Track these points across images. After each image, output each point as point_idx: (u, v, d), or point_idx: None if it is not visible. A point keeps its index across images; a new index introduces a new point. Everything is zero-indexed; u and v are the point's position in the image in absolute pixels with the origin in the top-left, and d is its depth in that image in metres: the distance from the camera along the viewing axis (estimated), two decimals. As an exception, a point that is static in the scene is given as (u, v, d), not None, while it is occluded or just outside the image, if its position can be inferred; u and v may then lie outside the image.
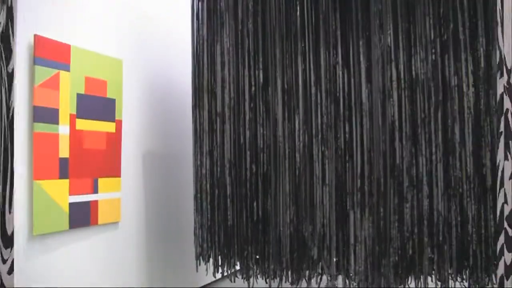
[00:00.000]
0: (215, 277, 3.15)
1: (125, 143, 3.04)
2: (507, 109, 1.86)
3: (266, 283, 2.88)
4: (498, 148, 2.41)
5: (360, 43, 2.61)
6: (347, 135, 2.64)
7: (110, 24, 2.97)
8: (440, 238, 2.45)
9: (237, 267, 3.01)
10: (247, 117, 2.87)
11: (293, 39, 2.76)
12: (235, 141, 2.91)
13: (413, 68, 2.53)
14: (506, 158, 1.85)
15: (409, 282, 2.56)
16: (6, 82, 1.93)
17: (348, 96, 2.65)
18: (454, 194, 2.46)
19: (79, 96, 2.67)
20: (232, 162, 2.92)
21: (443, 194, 2.46)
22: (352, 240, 2.61)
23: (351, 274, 2.65)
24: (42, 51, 2.44)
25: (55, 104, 2.52)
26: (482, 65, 2.45)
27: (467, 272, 2.48)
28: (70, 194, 2.60)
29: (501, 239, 1.83)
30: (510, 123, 1.85)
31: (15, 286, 2.31)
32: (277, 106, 2.77)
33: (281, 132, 2.75)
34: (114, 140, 2.92)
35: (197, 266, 3.06)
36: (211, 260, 3.05)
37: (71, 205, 2.60)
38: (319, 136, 2.67)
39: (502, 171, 1.86)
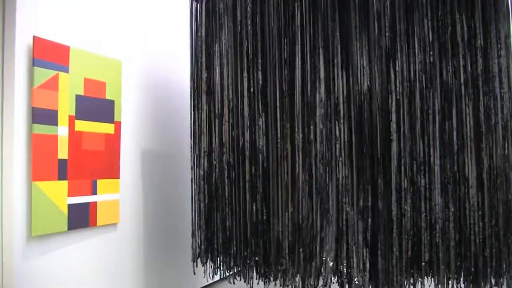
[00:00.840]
0: (212, 279, 3.14)
1: (124, 144, 3.04)
2: None
3: (265, 285, 2.88)
4: (497, 147, 2.44)
5: (359, 44, 2.61)
6: (346, 136, 2.64)
7: (109, 25, 2.98)
8: (437, 240, 2.46)
9: (236, 269, 3.01)
10: (246, 118, 2.87)
11: (292, 40, 2.76)
12: (234, 142, 2.91)
13: (411, 69, 2.53)
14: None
15: (406, 283, 2.56)
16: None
17: (347, 97, 2.65)
18: (453, 195, 2.47)
19: (78, 97, 2.67)
20: (230, 163, 2.92)
21: (441, 194, 2.47)
22: (350, 242, 2.60)
23: (350, 276, 2.64)
24: (41, 53, 2.45)
25: (54, 105, 2.52)
26: (480, 67, 2.46)
27: (465, 274, 2.48)
28: (68, 196, 2.60)
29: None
30: None
31: (14, 287, 2.31)
32: (276, 107, 2.77)
33: (280, 133, 2.75)
34: (113, 141, 2.93)
35: (194, 268, 3.06)
36: (208, 262, 3.04)
37: (70, 206, 2.60)
38: (318, 137, 2.67)
39: None
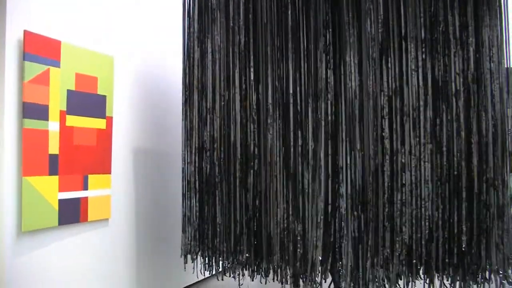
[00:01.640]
0: (203, 275, 3.15)
1: (116, 140, 3.03)
2: None
3: (252, 280, 2.88)
4: (487, 146, 2.45)
5: (351, 40, 2.61)
6: (339, 133, 2.64)
7: (101, 20, 2.96)
8: (427, 238, 2.47)
9: (226, 265, 3.01)
10: (238, 114, 2.87)
11: (284, 36, 2.76)
12: (225, 138, 2.91)
13: (403, 66, 2.53)
14: None
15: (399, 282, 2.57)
16: None
17: (339, 93, 2.65)
18: (443, 194, 2.48)
19: (69, 92, 2.66)
20: (221, 159, 2.92)
21: (431, 193, 2.48)
22: (342, 240, 2.61)
23: (340, 274, 2.66)
24: (32, 47, 2.44)
25: (45, 100, 2.51)
26: (472, 64, 2.47)
27: (452, 271, 2.49)
28: (59, 191, 2.59)
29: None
30: None
31: (3, 282, 2.31)
32: (268, 103, 2.77)
33: (271, 129, 2.75)
34: (105, 136, 2.92)
35: (184, 264, 3.06)
36: (199, 258, 3.05)
37: (61, 201, 2.60)
38: (311, 134, 2.67)
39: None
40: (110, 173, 2.96)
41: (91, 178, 2.81)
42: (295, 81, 2.71)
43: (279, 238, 2.72)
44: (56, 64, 2.58)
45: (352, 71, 2.60)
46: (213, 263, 2.98)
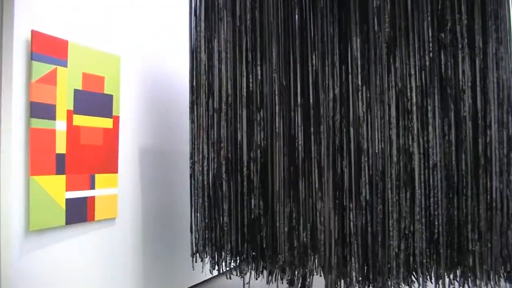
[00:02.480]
0: (211, 274, 3.15)
1: (122, 139, 3.04)
2: None
3: (256, 279, 2.88)
4: (494, 145, 2.44)
5: (358, 40, 2.61)
6: (345, 133, 2.64)
7: (108, 20, 2.97)
8: (436, 237, 2.46)
9: (234, 264, 3.01)
10: (244, 114, 2.87)
11: (291, 35, 2.76)
12: (232, 138, 2.91)
13: (411, 66, 2.52)
14: None
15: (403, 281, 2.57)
16: None
17: (346, 93, 2.64)
18: (452, 194, 2.47)
19: (76, 92, 2.67)
20: (228, 159, 2.91)
21: (441, 193, 2.47)
22: (348, 239, 2.60)
23: (348, 273, 2.65)
24: (39, 47, 2.44)
25: (52, 100, 2.52)
26: (478, 64, 2.45)
27: (461, 271, 2.48)
28: (66, 190, 2.60)
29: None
30: None
31: (10, 282, 2.32)
32: (275, 103, 2.76)
33: (278, 129, 2.75)
34: (111, 136, 2.92)
35: (193, 263, 3.06)
36: (207, 257, 3.05)
37: (68, 201, 2.60)
38: (317, 133, 2.67)
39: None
40: (117, 172, 2.96)
41: (98, 177, 2.82)
42: (301, 80, 2.71)
43: (285, 237, 2.72)
44: (64, 63, 2.58)
45: (359, 70, 2.59)
46: (221, 262, 2.98)
